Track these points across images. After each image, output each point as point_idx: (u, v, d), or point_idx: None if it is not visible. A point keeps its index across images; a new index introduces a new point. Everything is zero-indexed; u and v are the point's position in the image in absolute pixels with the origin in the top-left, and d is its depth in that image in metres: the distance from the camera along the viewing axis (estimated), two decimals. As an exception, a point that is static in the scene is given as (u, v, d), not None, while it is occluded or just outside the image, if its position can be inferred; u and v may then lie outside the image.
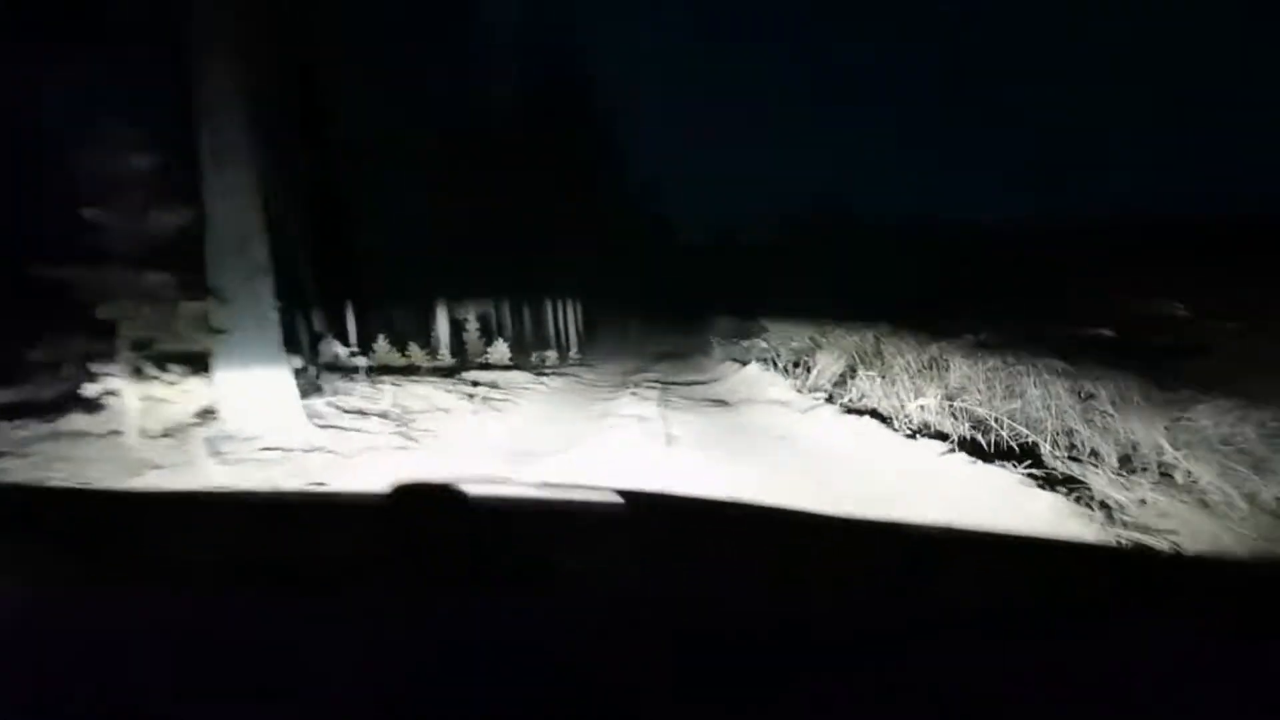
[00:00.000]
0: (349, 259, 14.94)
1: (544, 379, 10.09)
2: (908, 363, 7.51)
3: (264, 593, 0.74)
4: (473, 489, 0.95)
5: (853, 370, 7.89)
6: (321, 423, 5.16)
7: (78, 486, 3.54)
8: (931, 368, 7.19)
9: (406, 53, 14.79)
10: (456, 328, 15.30)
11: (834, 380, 7.81)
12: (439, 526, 0.91)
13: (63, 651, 0.64)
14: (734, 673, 0.59)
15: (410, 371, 9.36)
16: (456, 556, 0.83)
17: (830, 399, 6.43)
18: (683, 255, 34.47)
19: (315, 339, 13.84)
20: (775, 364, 9.93)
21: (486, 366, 10.94)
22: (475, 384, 8.52)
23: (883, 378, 7.03)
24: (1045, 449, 4.13)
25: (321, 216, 14.59)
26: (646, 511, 0.99)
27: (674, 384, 9.69)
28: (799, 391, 7.30)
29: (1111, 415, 4.42)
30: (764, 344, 12.52)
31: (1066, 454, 4.01)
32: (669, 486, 1.13)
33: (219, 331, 4.58)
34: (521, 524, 0.97)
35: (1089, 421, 4.41)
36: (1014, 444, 4.31)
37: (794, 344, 11.33)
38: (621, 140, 22.66)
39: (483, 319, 16.50)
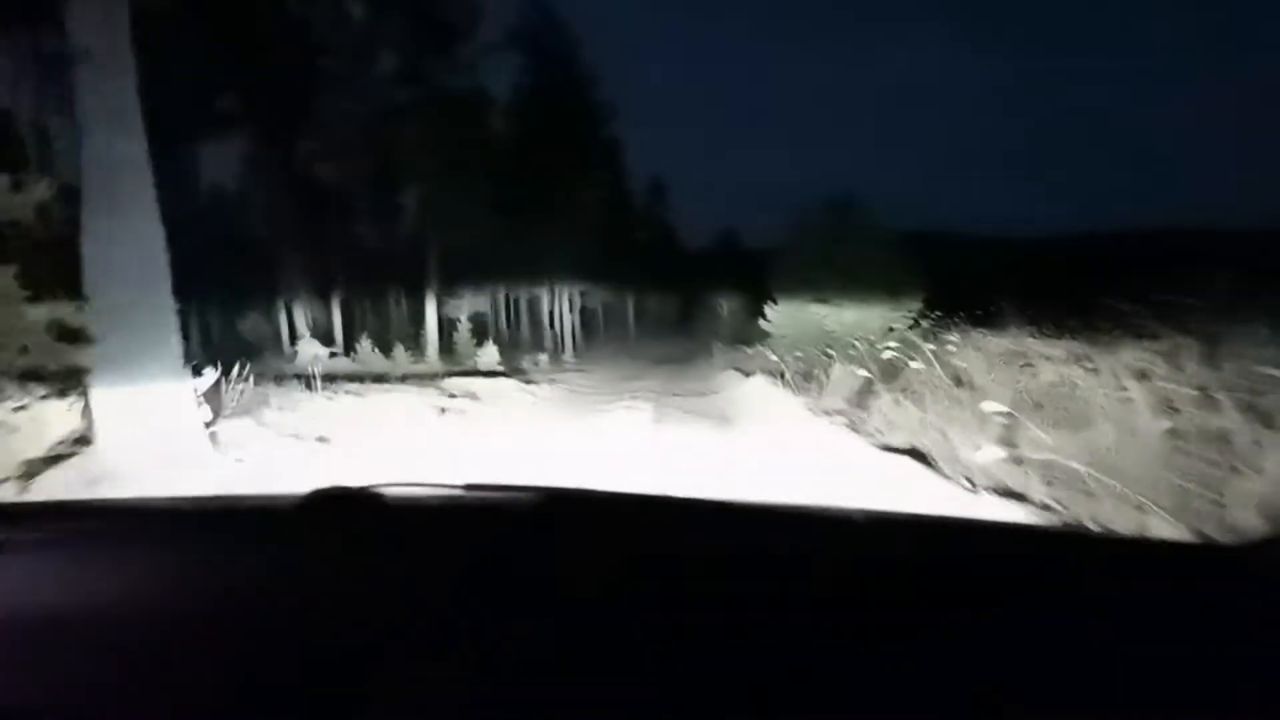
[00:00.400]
0: (335, 252, 13.86)
1: (532, 386, 9.01)
2: (935, 379, 6.43)
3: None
4: (394, 492, 0.91)
5: (871, 386, 6.79)
6: (238, 454, 4.06)
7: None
8: (959, 384, 6.10)
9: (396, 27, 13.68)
10: (449, 328, 14.22)
11: (851, 399, 6.70)
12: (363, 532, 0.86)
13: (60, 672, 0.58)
14: (709, 671, 0.56)
15: (384, 379, 8.25)
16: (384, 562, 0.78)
17: (852, 426, 5.32)
18: (685, 254, 33.45)
19: (294, 339, 12.80)
20: (783, 376, 8.80)
21: (470, 373, 9.83)
22: (452, 395, 7.42)
23: (907, 395, 5.93)
24: (1159, 521, 3.02)
25: (305, 205, 13.52)
26: (576, 509, 0.94)
27: (672, 395, 8.60)
28: (812, 412, 6.19)
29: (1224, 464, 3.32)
30: (768, 351, 11.42)
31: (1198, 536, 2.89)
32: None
33: (90, 341, 3.48)
34: (450, 527, 0.92)
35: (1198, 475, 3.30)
36: (1123, 509, 3.19)
37: (799, 352, 10.22)
38: (623, 136, 21.52)
39: (476, 319, 15.43)
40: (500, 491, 0.97)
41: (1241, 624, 0.60)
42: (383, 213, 15.48)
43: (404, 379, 8.63)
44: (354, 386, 7.30)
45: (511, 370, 11.01)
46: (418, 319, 13.68)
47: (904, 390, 6.23)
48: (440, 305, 13.73)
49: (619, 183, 22.04)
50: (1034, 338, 8.44)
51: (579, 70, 19.05)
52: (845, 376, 6.90)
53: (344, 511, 0.88)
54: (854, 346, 9.38)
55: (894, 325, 10.43)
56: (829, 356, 9.35)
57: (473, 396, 7.50)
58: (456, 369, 10.60)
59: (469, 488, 0.96)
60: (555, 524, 0.89)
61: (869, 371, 7.10)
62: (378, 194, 15.11)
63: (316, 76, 14.15)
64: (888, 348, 7.76)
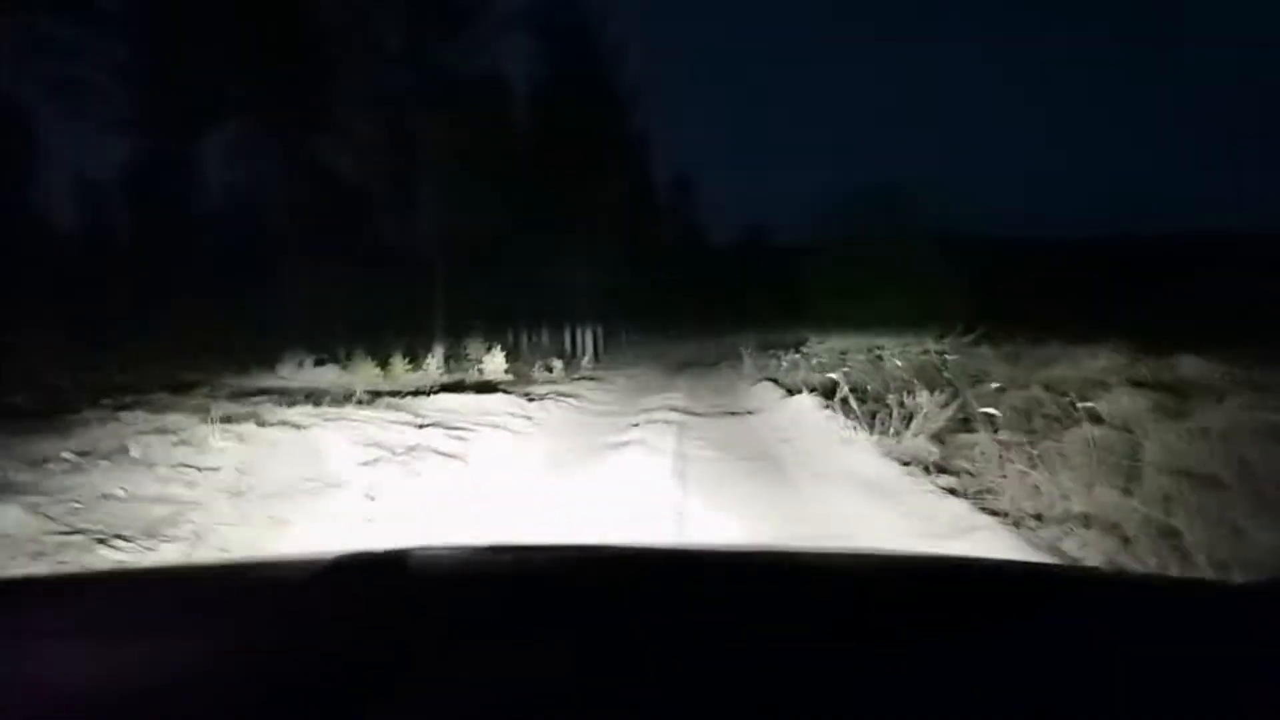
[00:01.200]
0: (336, 251, 12.08)
1: (530, 404, 7.01)
2: (1052, 409, 4.27)
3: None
4: (419, 554, 0.87)
5: (968, 426, 4.59)
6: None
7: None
8: (1100, 421, 3.88)
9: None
10: (460, 331, 12.30)
11: (939, 441, 4.49)
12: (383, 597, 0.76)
13: None
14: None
15: (349, 398, 6.31)
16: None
17: (986, 508, 3.16)
18: (712, 252, 31.33)
19: (283, 348, 11.00)
20: (833, 395, 6.59)
21: (459, 388, 7.85)
22: (421, 425, 5.45)
23: (1042, 451, 3.72)
24: None
25: (307, 201, 11.76)
26: (612, 564, 0.88)
27: (698, 415, 6.54)
28: (902, 464, 4.04)
29: None
30: (810, 360, 9.24)
31: None
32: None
33: None
34: (476, 589, 0.81)
35: None
36: None
37: (849, 363, 8.02)
38: (641, 133, 19.36)
39: (489, 321, 13.53)
40: (523, 552, 0.92)
41: (1242, 629, 0.58)
42: (391, 208, 13.72)
43: (376, 396, 6.69)
44: (296, 413, 5.36)
45: (514, 383, 9.00)
46: (426, 323, 11.77)
47: (1030, 439, 3.99)
48: (451, 306, 11.83)
49: (642, 180, 19.99)
50: (1146, 355, 6.20)
51: (599, 65, 17.07)
52: (938, 407, 4.69)
53: (366, 576, 0.80)
54: (924, 357, 7.20)
55: (949, 334, 8.16)
56: (880, 365, 7.15)
57: (444, 425, 5.49)
58: (449, 382, 8.66)
59: (495, 549, 0.90)
60: (579, 581, 0.80)
61: (962, 396, 4.89)
62: (386, 189, 13.33)
63: (325, 65, 12.39)
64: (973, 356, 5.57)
